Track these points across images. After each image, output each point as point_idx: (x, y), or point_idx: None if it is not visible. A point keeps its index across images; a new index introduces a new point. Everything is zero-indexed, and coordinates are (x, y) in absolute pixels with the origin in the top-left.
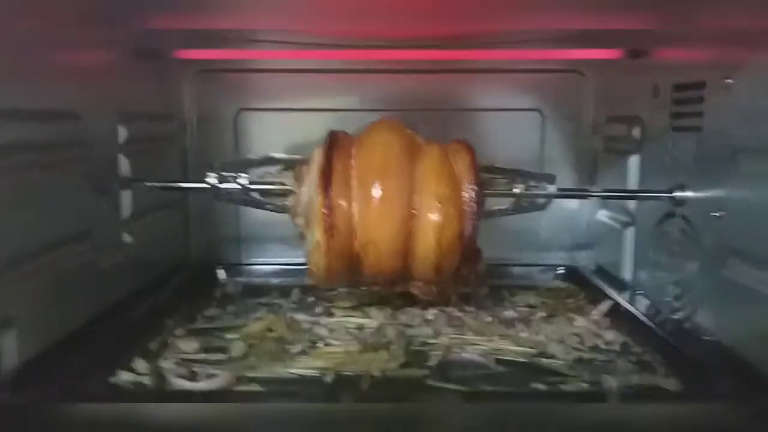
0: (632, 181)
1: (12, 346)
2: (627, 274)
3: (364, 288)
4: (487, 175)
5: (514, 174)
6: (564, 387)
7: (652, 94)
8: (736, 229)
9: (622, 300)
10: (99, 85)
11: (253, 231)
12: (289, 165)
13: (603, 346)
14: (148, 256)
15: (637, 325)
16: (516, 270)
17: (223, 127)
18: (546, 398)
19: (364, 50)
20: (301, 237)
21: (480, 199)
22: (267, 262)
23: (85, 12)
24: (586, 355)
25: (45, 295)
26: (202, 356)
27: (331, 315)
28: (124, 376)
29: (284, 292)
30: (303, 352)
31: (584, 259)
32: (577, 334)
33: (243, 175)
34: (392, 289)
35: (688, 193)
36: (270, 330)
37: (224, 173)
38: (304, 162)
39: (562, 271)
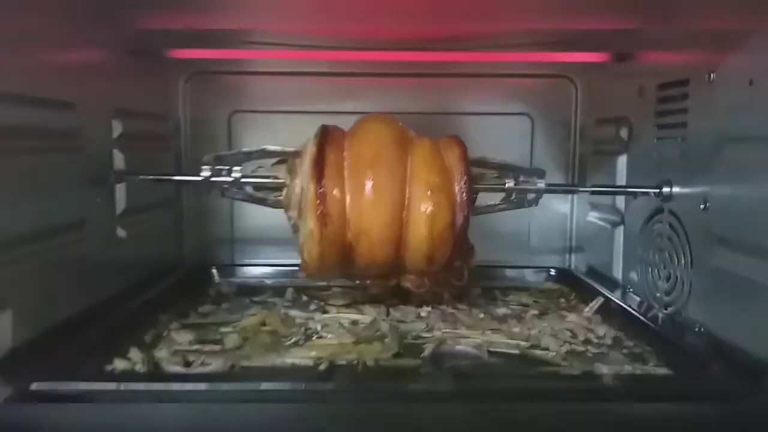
0: (621, 181)
1: (7, 328)
2: (618, 273)
3: (357, 282)
4: (478, 170)
5: (505, 168)
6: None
7: (638, 95)
8: (722, 219)
9: (614, 296)
10: (94, 79)
11: (247, 232)
12: (283, 158)
13: (595, 340)
14: (142, 253)
15: (629, 319)
16: (508, 272)
17: (217, 129)
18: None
19: (356, 51)
20: (294, 229)
21: (471, 191)
22: (261, 264)
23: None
24: (578, 348)
25: (39, 281)
26: (196, 347)
27: (325, 312)
28: (119, 364)
29: (278, 291)
30: (297, 344)
31: (576, 262)
32: (569, 329)
33: (236, 168)
34: (385, 282)
35: (675, 189)
36: (264, 324)
37: (218, 167)
38: (297, 155)
39: (554, 273)
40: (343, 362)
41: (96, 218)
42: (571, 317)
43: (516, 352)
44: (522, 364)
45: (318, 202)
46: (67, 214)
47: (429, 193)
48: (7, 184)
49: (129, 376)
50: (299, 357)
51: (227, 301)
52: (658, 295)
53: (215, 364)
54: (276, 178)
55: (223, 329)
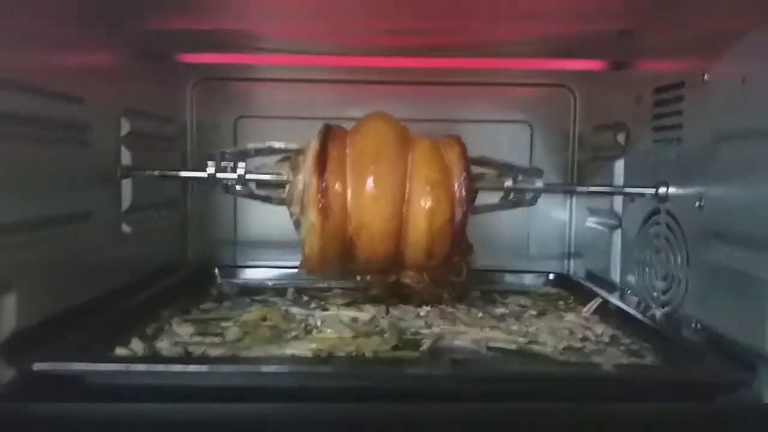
0: (618, 185)
1: (11, 311)
2: (616, 276)
3: (357, 278)
4: (477, 169)
5: (504, 167)
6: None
7: (635, 101)
8: (717, 215)
9: (613, 298)
10: (105, 78)
11: (250, 235)
12: (287, 156)
13: (593, 338)
14: (146, 251)
15: (626, 318)
16: (507, 276)
17: (223, 133)
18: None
19: (360, 57)
20: (296, 225)
21: (470, 187)
22: (263, 265)
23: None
24: (576, 345)
25: (44, 268)
26: (197, 339)
27: (325, 310)
28: (121, 352)
29: (279, 292)
30: (296, 338)
31: (575, 267)
32: (567, 328)
33: (241, 165)
34: (385, 278)
35: (672, 189)
36: (265, 319)
37: (223, 163)
38: (301, 152)
39: (553, 278)
40: (342, 354)
41: (102, 212)
42: (570, 317)
43: (514, 347)
44: (520, 358)
45: (320, 195)
46: (74, 205)
47: (429, 188)
48: (17, 171)
49: (130, 358)
50: (299, 349)
51: (229, 299)
52: (655, 294)
53: (216, 354)
54: (280, 175)
55: (224, 324)
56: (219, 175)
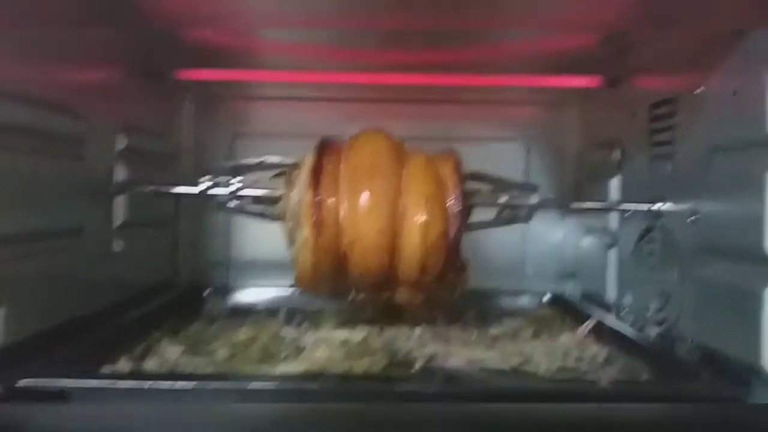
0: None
1: None
2: (612, 295)
3: (350, 296)
4: (472, 185)
5: (498, 182)
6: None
7: (630, 118)
8: (712, 229)
9: (607, 318)
10: (102, 93)
11: (243, 255)
12: (282, 171)
13: (588, 358)
14: (138, 269)
15: (622, 338)
16: (502, 297)
17: (220, 150)
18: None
19: (358, 73)
20: (290, 241)
21: (465, 202)
22: (255, 286)
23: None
24: (570, 365)
25: (34, 284)
26: (186, 359)
27: (317, 330)
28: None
29: (271, 313)
30: (287, 358)
31: (570, 287)
32: (562, 349)
33: (235, 180)
34: (379, 295)
35: (667, 204)
36: (255, 339)
37: (217, 180)
38: (296, 167)
39: (548, 299)
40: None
41: (94, 229)
42: (565, 338)
43: (507, 367)
44: (513, 378)
45: (313, 210)
46: (66, 221)
47: (423, 202)
48: (8, 183)
49: (117, 374)
50: (289, 368)
51: (220, 320)
52: (651, 313)
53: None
54: (274, 190)
55: (214, 344)
56: (212, 191)
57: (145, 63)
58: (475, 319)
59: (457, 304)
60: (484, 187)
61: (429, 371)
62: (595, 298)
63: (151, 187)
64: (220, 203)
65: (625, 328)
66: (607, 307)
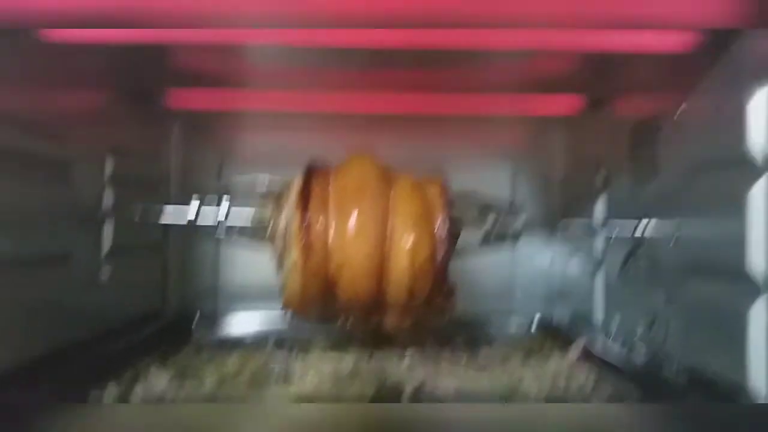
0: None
1: None
2: (599, 319)
3: (339, 321)
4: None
5: (485, 206)
6: None
7: (613, 140)
8: (694, 248)
9: (596, 341)
10: (89, 118)
11: (232, 284)
12: (270, 194)
13: (577, 382)
14: (126, 296)
15: (610, 361)
16: (492, 322)
17: (208, 176)
18: None
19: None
20: (278, 264)
21: (452, 225)
22: (244, 314)
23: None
24: (560, 388)
25: (21, 310)
26: (175, 384)
27: (306, 357)
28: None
29: (260, 341)
30: (276, 384)
31: (559, 311)
32: (551, 373)
33: (225, 203)
34: (367, 320)
35: (651, 225)
36: (244, 366)
37: (206, 202)
38: (284, 190)
39: (537, 323)
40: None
41: (81, 255)
42: (554, 361)
43: (497, 392)
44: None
45: (302, 233)
46: (53, 246)
47: (410, 225)
48: None
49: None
50: (278, 394)
51: (208, 348)
52: (638, 334)
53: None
54: (263, 213)
55: (203, 371)
56: (201, 215)
57: (134, 88)
58: (465, 345)
59: (447, 329)
60: (471, 209)
61: (418, 399)
62: (584, 321)
63: (140, 217)
64: (209, 227)
65: (614, 351)
66: (595, 330)
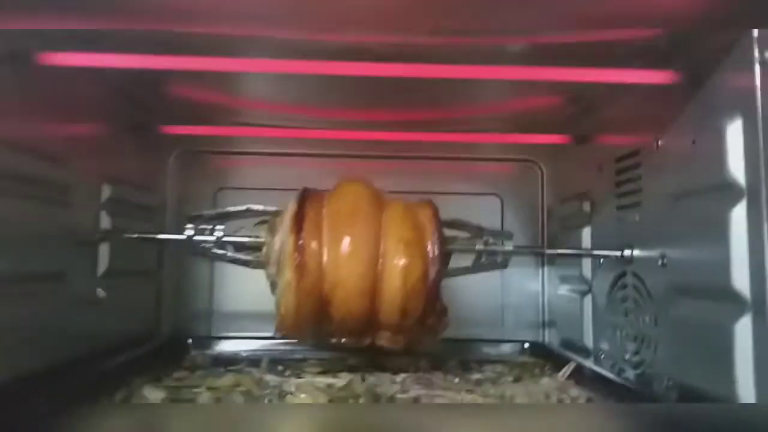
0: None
1: None
2: (589, 341)
3: (333, 340)
4: (450, 233)
5: (475, 229)
6: None
7: (597, 171)
8: (679, 270)
9: (587, 363)
10: (89, 145)
11: (226, 306)
12: (265, 219)
13: (568, 400)
14: (120, 318)
15: (601, 381)
16: (483, 346)
17: (203, 204)
18: None
19: (338, 130)
20: (273, 287)
21: (443, 246)
22: (238, 336)
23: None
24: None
25: (13, 328)
26: (168, 404)
27: (300, 377)
28: None
29: (254, 362)
30: (270, 401)
31: (549, 335)
32: (543, 392)
33: (219, 228)
34: (360, 340)
35: (636, 251)
36: (238, 385)
37: (201, 226)
38: (279, 214)
39: (528, 347)
40: None
41: (77, 275)
42: (545, 381)
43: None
44: None
45: (296, 254)
46: (48, 265)
47: (402, 246)
48: None
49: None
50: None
51: (202, 369)
52: (628, 356)
53: None
54: (258, 237)
55: (196, 390)
56: (197, 237)
57: (131, 118)
58: (457, 367)
59: (439, 353)
60: (460, 234)
61: None
62: (574, 344)
63: (136, 235)
64: (203, 250)
65: (604, 372)
66: (585, 353)
